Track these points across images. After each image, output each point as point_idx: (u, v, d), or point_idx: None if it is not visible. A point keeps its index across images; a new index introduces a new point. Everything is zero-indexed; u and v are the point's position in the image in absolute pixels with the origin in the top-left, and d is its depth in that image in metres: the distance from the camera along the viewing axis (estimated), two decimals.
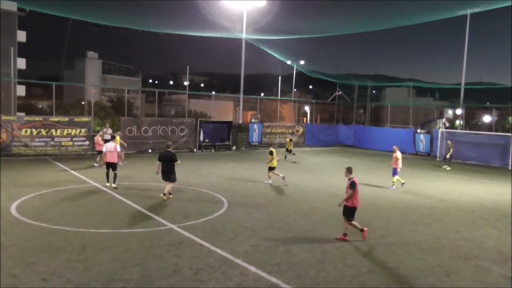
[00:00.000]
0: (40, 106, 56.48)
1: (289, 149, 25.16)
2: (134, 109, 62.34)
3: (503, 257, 8.58)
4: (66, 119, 24.06)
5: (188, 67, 50.14)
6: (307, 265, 7.64)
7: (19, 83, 45.34)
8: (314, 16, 27.90)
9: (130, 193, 13.32)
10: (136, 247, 8.16)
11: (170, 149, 13.02)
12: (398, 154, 16.26)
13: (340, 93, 45.08)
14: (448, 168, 22.97)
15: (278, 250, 8.40)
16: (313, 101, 45.73)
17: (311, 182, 16.98)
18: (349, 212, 9.25)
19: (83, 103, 56.26)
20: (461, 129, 32.70)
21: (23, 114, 29.75)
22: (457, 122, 47.92)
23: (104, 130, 24.82)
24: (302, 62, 45.18)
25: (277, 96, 51.71)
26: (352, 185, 9.15)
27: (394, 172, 16.25)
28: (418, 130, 30.59)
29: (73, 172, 17.30)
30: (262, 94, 62.03)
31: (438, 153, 27.24)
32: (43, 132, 22.55)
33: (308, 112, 53.35)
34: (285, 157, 24.58)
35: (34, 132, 22.36)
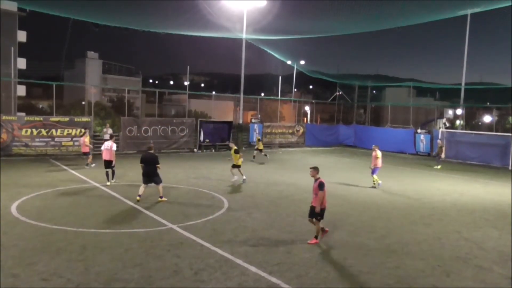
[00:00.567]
0: (40, 106, 56.52)
1: (259, 148, 24.08)
2: (135, 109, 62.38)
3: (503, 257, 8.57)
4: (66, 119, 24.06)
5: (188, 67, 50.19)
6: (308, 265, 7.64)
7: (20, 83, 45.35)
8: (314, 16, 27.90)
9: (131, 193, 13.30)
10: (137, 247, 8.16)
11: (152, 151, 12.68)
12: (378, 153, 16.03)
13: (340, 93, 45.08)
14: (438, 167, 23.01)
15: (279, 250, 8.40)
16: (313, 101, 45.74)
17: (311, 182, 16.93)
18: (313, 212, 8.96)
19: (83, 103, 56.26)
20: (462, 129, 32.70)
21: (24, 114, 29.76)
22: (458, 122, 47.95)
23: (105, 130, 24.87)
24: (302, 62, 45.20)
25: (278, 96, 51.72)
26: (321, 186, 8.89)
27: (373, 171, 16.05)
28: (419, 130, 30.59)
29: (73, 172, 17.30)
30: (263, 94, 62.01)
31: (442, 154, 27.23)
32: (44, 132, 22.55)
33: (309, 112, 53.36)
34: (254, 157, 23.76)
35: (35, 132, 22.37)
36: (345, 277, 7.19)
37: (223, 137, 29.77)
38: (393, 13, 27.20)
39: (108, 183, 14.58)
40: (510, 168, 24.03)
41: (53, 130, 22.88)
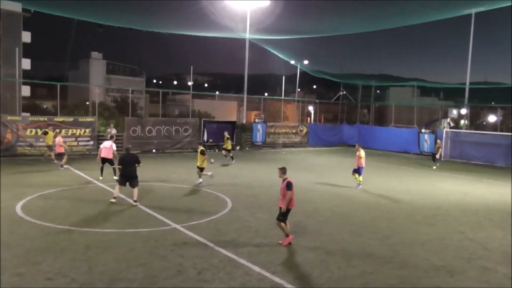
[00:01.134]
0: (45, 106, 56.74)
1: (226, 148, 22.54)
2: (138, 109, 62.54)
3: (507, 257, 8.53)
4: (70, 119, 24.16)
5: (192, 67, 49.75)
6: (311, 265, 7.64)
7: (24, 83, 45.53)
8: (318, 16, 27.89)
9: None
10: (140, 247, 8.19)
11: (131, 152, 12.55)
12: (361, 153, 15.87)
13: (344, 93, 45.00)
14: (434, 167, 22.95)
15: (282, 250, 8.40)
16: (317, 101, 45.63)
17: (314, 182, 16.96)
18: (284, 214, 8.67)
19: (87, 103, 56.46)
20: (466, 129, 32.56)
21: (28, 114, 29.92)
22: (462, 122, 47.73)
23: (109, 130, 24.93)
24: (306, 62, 45.15)
25: (281, 96, 51.67)
26: (289, 186, 8.61)
27: (358, 171, 15.82)
28: (423, 130, 30.47)
29: (77, 172, 17.36)
30: (266, 94, 62.01)
31: (443, 153, 27.12)
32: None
33: (312, 112, 53.28)
34: (226, 156, 22.47)
35: (39, 132, 22.46)
36: (348, 278, 7.18)
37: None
38: (397, 13, 27.14)
39: (101, 177, 15.40)
40: None
41: (57, 130, 22.95)
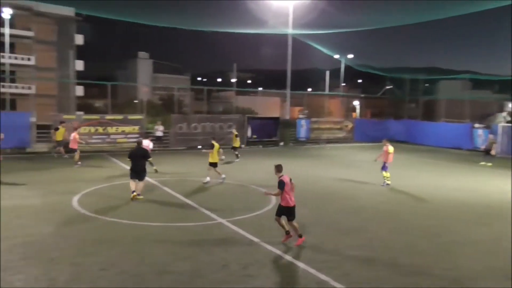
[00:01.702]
0: (97, 105, 59.36)
1: (234, 146, 21.87)
2: (184, 106, 63.93)
3: None
4: (120, 117, 25.16)
5: (235, 64, 50.35)
6: (357, 263, 7.53)
7: (78, 84, 47.91)
8: (363, 9, 27.23)
9: (181, 187, 13.71)
10: (187, 241, 8.41)
11: (141, 146, 12.75)
12: (390, 148, 15.27)
13: (390, 87, 43.71)
14: (489, 164, 21.64)
15: (327, 247, 8.33)
16: (362, 95, 44.66)
17: (358, 178, 16.63)
18: (281, 211, 8.48)
19: (135, 101, 58.44)
20: None
21: (82, 113, 31.43)
22: None
23: (156, 127, 25.74)
24: (350, 56, 44.27)
25: (325, 91, 51.04)
26: (280, 185, 8.39)
27: (384, 167, 15.21)
28: (476, 125, 29.01)
29: (127, 167, 18.03)
30: (309, 89, 61.40)
31: (499, 149, 25.69)
32: (100, 129, 23.75)
33: (357, 106, 52.20)
34: (237, 156, 21.49)
35: (92, 130, 23.61)
36: (395, 277, 7.01)
37: (270, 133, 29.86)
38: (445, 2, 25.97)
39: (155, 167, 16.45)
40: None
41: (109, 128, 24.03)
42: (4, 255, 7.31)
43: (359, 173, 18.18)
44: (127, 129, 24.55)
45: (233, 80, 57.52)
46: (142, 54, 79.67)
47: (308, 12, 27.94)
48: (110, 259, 7.29)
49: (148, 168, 12.91)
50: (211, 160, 14.82)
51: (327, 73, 53.40)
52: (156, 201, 11.88)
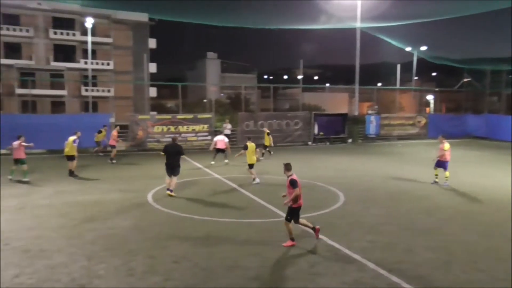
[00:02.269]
0: (168, 105, 62.23)
1: (265, 144, 21.02)
2: (251, 104, 64.86)
3: None
4: (190, 116, 26.16)
5: (301, 61, 50.02)
6: (432, 266, 7.14)
7: (151, 85, 50.59)
8: None
9: (249, 184, 13.93)
10: (255, 237, 8.53)
11: (176, 142, 13.02)
12: (446, 145, 14.08)
13: (468, 79, 40.81)
14: None
15: (399, 248, 8.00)
16: (436, 89, 42.19)
17: (432, 178, 15.72)
18: (293, 212, 8.13)
19: (204, 101, 60.35)
20: None
21: (155, 113, 33.16)
22: None
23: (224, 125, 26.38)
24: (423, 48, 41.96)
25: (396, 85, 48.95)
26: (292, 183, 8.08)
27: (443, 166, 14.13)
28: None
29: (197, 165, 18.72)
30: (379, 84, 59.29)
31: None
32: (172, 128, 24.89)
33: (432, 101, 49.45)
34: (263, 154, 20.62)
35: (165, 129, 24.82)
36: (475, 283, 6.54)
37: (337, 130, 29.32)
38: None
39: (213, 162, 18.41)
40: None
41: (180, 127, 25.10)
42: (89, 246, 7.93)
43: (433, 171, 17.20)
44: (197, 127, 25.45)
45: (299, 77, 57.19)
46: (210, 54, 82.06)
47: (377, 4, 26.93)
48: (182, 253, 7.61)
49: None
50: (248, 161, 14.50)
51: (398, 66, 51.08)
52: (225, 198, 12.18)
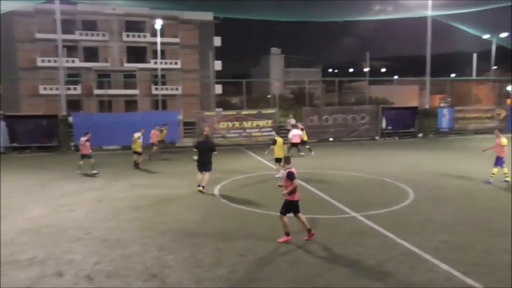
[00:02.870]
0: (233, 101, 63.47)
1: (304, 140, 20.18)
2: (315, 99, 64.21)
3: None
4: (254, 112, 26.47)
5: (368, 53, 48.46)
6: None
7: (217, 82, 51.95)
8: None
9: (313, 180, 13.80)
10: (320, 233, 8.43)
11: (208, 139, 13.00)
12: (503, 140, 12.74)
13: None
14: None
15: (475, 249, 7.49)
16: None
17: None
18: (288, 206, 8.02)
19: (268, 96, 60.72)
20: None
21: (221, 109, 34.00)
22: None
23: (288, 120, 26.37)
24: (504, 35, 38.67)
25: (471, 76, 45.73)
26: (290, 176, 7.86)
27: (498, 162, 12.92)
28: None
29: (261, 160, 18.90)
30: (453, 75, 55.74)
31: None
32: (237, 124, 25.38)
33: None
34: (298, 151, 20.01)
35: (230, 125, 25.37)
36: None
37: (407, 124, 28.11)
38: None
39: (303, 153, 19.45)
40: None
41: (244, 122, 25.52)
42: (160, 237, 8.34)
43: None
44: (261, 123, 25.70)
45: (366, 70, 55.47)
46: (274, 50, 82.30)
47: None
48: (247, 246, 7.73)
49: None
50: (276, 155, 14.51)
51: (474, 55, 47.63)
52: None
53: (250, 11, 29.67)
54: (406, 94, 55.62)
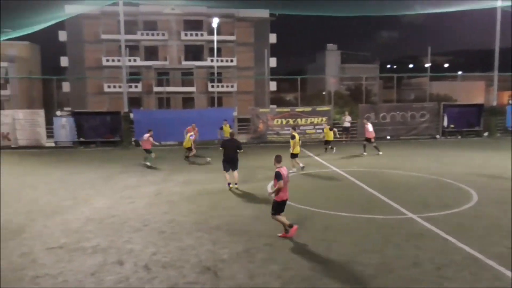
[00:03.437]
0: (287, 98, 63.31)
1: (328, 140, 19.81)
2: (372, 96, 62.46)
3: None
4: (309, 109, 26.26)
5: (429, 47, 46.25)
6: None
7: (271, 79, 52.07)
8: None
9: (368, 179, 13.47)
10: (375, 233, 8.21)
11: (234, 137, 12.94)
12: None
13: None
14: None
15: None
16: None
17: None
18: (279, 207, 8.05)
19: (324, 93, 59.92)
20: None
21: (275, 106, 34.07)
22: None
23: (343, 118, 25.88)
24: None
25: None
26: (276, 175, 7.89)
27: None
28: None
29: (315, 157, 18.71)
30: None
31: None
32: (291, 121, 25.31)
33: None
34: (325, 149, 19.81)
35: (284, 121, 25.36)
36: None
37: (471, 122, 26.56)
38: None
39: (365, 154, 19.03)
40: None
41: (298, 119, 25.39)
42: (214, 231, 8.53)
43: None
44: (316, 120, 25.43)
45: (427, 65, 52.97)
46: (330, 46, 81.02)
47: None
48: (300, 244, 7.70)
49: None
50: (294, 151, 14.84)
51: None
52: (344, 192, 11.98)
53: (306, 7, 29.39)
54: (471, 90, 52.52)
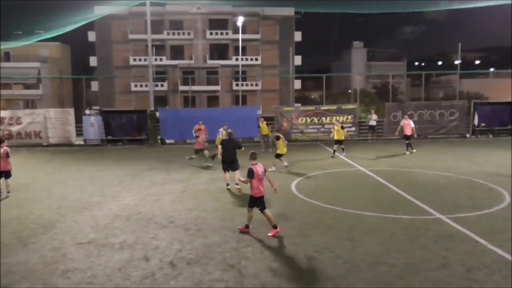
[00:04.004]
0: (312, 96, 62.88)
1: (338, 139, 18.31)
2: (399, 94, 61.34)
3: None
4: (334, 107, 25.99)
5: (460, 44, 44.99)
6: None
7: (296, 78, 51.85)
8: None
9: (394, 178, 13.23)
10: (401, 234, 8.06)
11: (232, 137, 12.68)
12: None
13: None
14: None
15: None
16: None
17: None
18: (252, 202, 8.32)
19: (349, 91, 59.25)
20: None
21: (299, 104, 33.92)
22: None
23: (369, 116, 25.50)
24: None
25: None
26: (248, 173, 8.18)
27: None
28: None
29: (340, 156, 18.51)
30: None
31: None
32: (315, 120, 25.14)
33: None
34: (334, 151, 18.34)
35: (308, 120, 25.22)
36: None
37: (504, 121, 25.71)
38: None
39: (407, 152, 18.72)
40: None
41: (323, 118, 25.19)
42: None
43: None
44: (341, 118, 25.13)
45: (457, 62, 51.54)
46: (356, 43, 79.90)
47: None
48: (324, 243, 7.64)
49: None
50: (278, 151, 15.05)
51: None
52: (369, 191, 11.80)
53: (332, 5, 29.07)
54: (504, 88, 50.75)
